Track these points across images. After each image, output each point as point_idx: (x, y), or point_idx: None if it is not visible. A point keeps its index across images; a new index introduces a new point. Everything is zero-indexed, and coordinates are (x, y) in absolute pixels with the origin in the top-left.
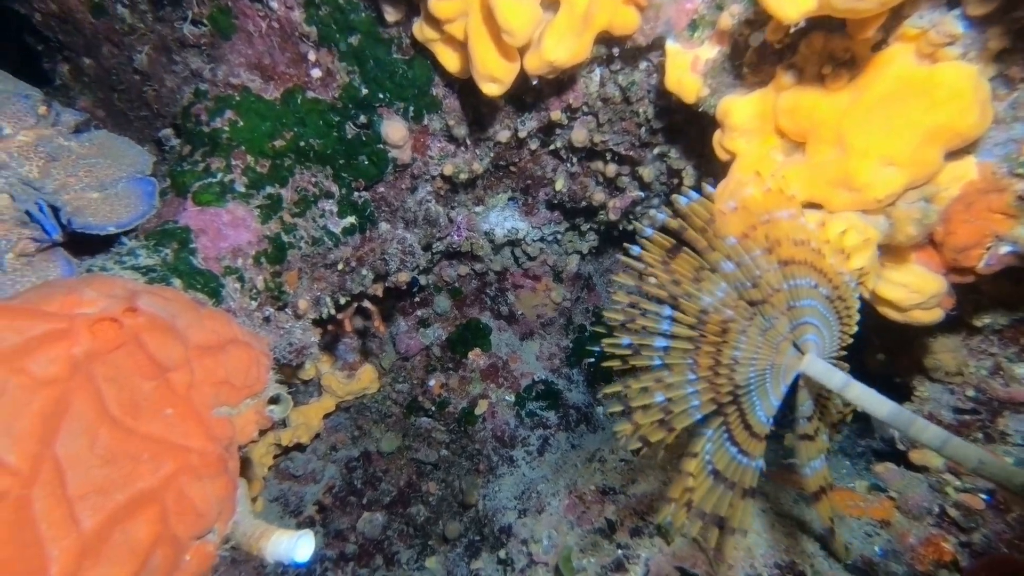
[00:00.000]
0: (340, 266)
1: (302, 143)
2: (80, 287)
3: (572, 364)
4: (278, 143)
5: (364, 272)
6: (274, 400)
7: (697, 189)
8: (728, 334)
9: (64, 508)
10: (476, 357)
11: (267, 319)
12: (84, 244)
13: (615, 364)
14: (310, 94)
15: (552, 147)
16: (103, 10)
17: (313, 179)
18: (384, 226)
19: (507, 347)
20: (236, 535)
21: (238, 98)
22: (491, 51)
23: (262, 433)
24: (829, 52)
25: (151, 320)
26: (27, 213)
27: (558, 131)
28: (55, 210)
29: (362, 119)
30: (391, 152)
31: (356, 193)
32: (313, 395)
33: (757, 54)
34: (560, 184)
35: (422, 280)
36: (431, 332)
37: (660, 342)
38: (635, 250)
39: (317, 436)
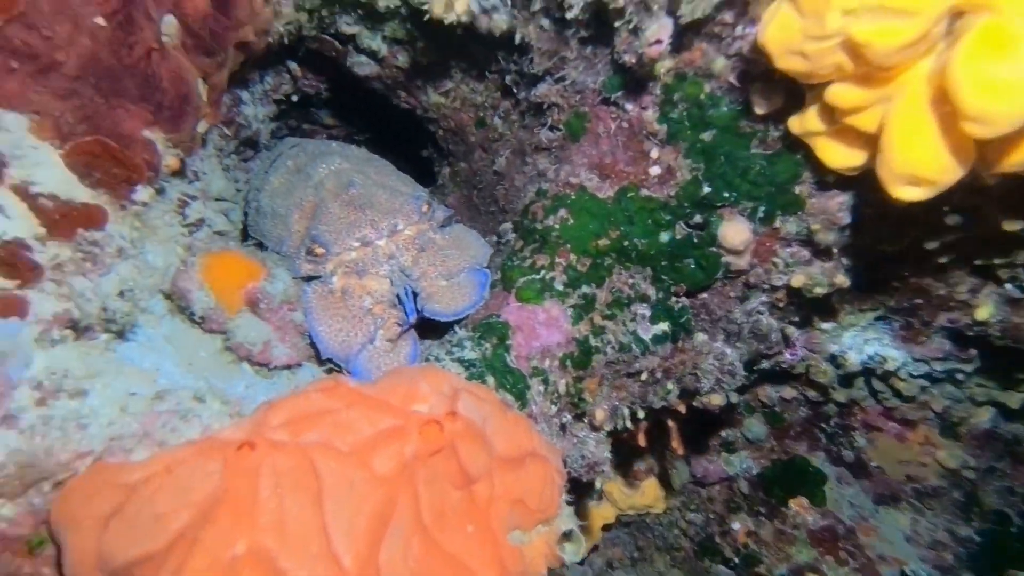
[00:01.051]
0: (644, 376)
1: (626, 242)
2: (418, 380)
3: (981, 572)
4: (602, 242)
5: (670, 386)
6: (566, 536)
7: None
8: None
9: None
10: (802, 509)
11: (564, 427)
12: (421, 325)
13: None
14: (644, 192)
15: (981, 262)
16: (484, 123)
17: (630, 280)
18: (700, 337)
19: (853, 508)
20: None
21: (573, 197)
22: (927, 144)
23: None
24: None
25: (467, 426)
26: (397, 297)
27: None
28: (415, 295)
29: (697, 219)
30: (725, 257)
31: (674, 298)
32: (592, 498)
33: None
34: (986, 312)
35: (733, 397)
36: (737, 460)
37: None
38: None
39: (595, 548)
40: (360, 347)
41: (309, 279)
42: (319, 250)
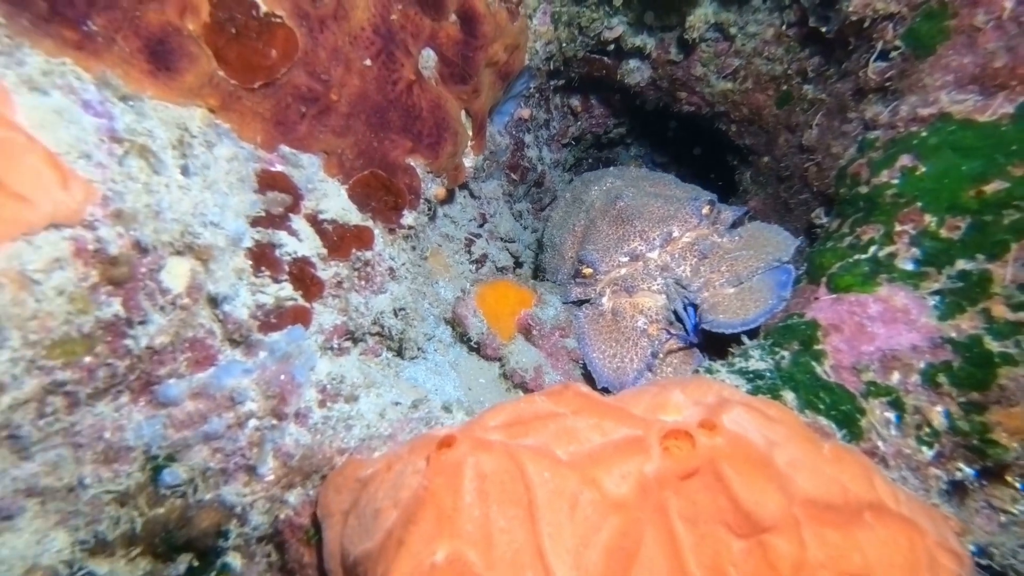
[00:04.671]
0: None
1: None
2: (670, 388)
3: None
4: (992, 187)
5: None
6: None
7: None
8: None
9: None
10: None
11: (955, 486)
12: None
13: None
14: None
15: None
16: (789, 97)
17: None
18: None
19: None
20: None
21: (924, 134)
22: None
23: None
24: None
25: (733, 444)
26: (674, 312)
27: None
28: (694, 308)
29: None
30: None
31: None
32: None
33: None
34: None
35: None
36: None
37: None
38: None
39: None
40: (636, 374)
41: (581, 303)
42: (587, 270)
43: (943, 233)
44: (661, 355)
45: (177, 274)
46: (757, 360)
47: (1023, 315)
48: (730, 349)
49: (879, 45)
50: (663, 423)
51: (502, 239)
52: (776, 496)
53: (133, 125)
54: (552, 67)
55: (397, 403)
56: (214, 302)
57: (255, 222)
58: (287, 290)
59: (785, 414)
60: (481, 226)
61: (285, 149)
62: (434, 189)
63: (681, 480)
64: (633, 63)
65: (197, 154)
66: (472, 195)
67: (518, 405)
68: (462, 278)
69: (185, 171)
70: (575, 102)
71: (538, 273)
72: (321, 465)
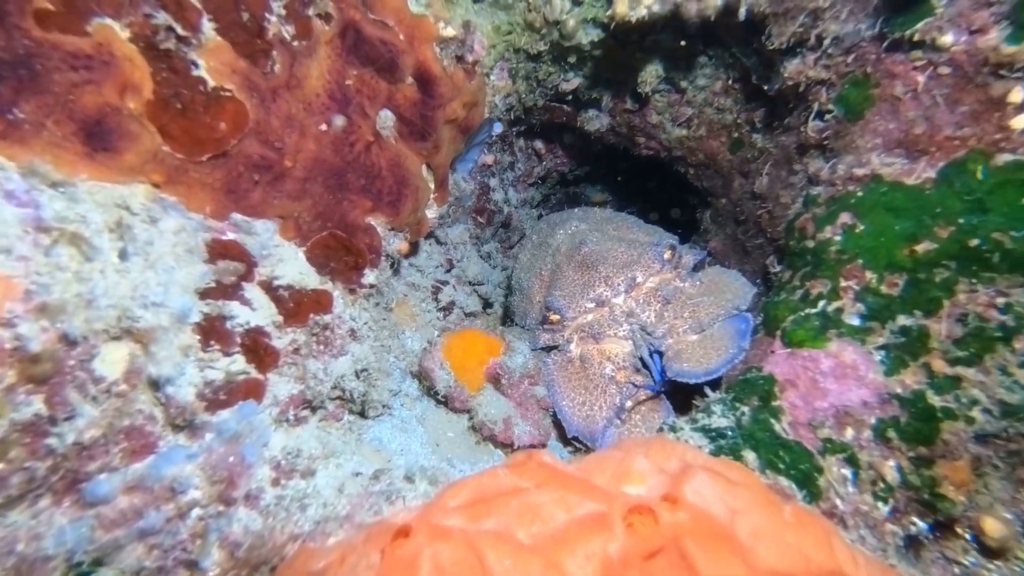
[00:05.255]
0: None
1: (974, 241)
2: (634, 454)
3: None
4: (922, 247)
5: None
6: None
7: None
8: None
9: None
10: None
11: (911, 541)
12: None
13: None
14: (1005, 158)
15: None
16: (740, 144)
17: (1001, 299)
18: None
19: None
20: None
21: (860, 193)
22: None
23: None
24: None
25: (696, 519)
26: (640, 359)
27: None
28: (659, 355)
29: None
30: None
31: None
32: None
33: None
34: None
35: None
36: None
37: None
38: None
39: None
40: (605, 422)
41: (549, 349)
42: (554, 317)
43: (883, 289)
44: (630, 404)
45: (113, 360)
46: (719, 416)
47: (960, 370)
48: (694, 401)
49: (815, 106)
50: (627, 497)
51: (470, 283)
52: (740, 571)
53: (63, 212)
54: (513, 116)
55: (358, 474)
56: (155, 385)
57: (205, 294)
58: (239, 363)
59: (747, 476)
60: (448, 272)
61: (237, 217)
62: (396, 245)
63: (645, 560)
64: (592, 112)
65: (137, 233)
66: (438, 241)
67: (480, 480)
68: (429, 327)
69: (123, 253)
70: (539, 144)
71: (507, 316)
72: (271, 556)
